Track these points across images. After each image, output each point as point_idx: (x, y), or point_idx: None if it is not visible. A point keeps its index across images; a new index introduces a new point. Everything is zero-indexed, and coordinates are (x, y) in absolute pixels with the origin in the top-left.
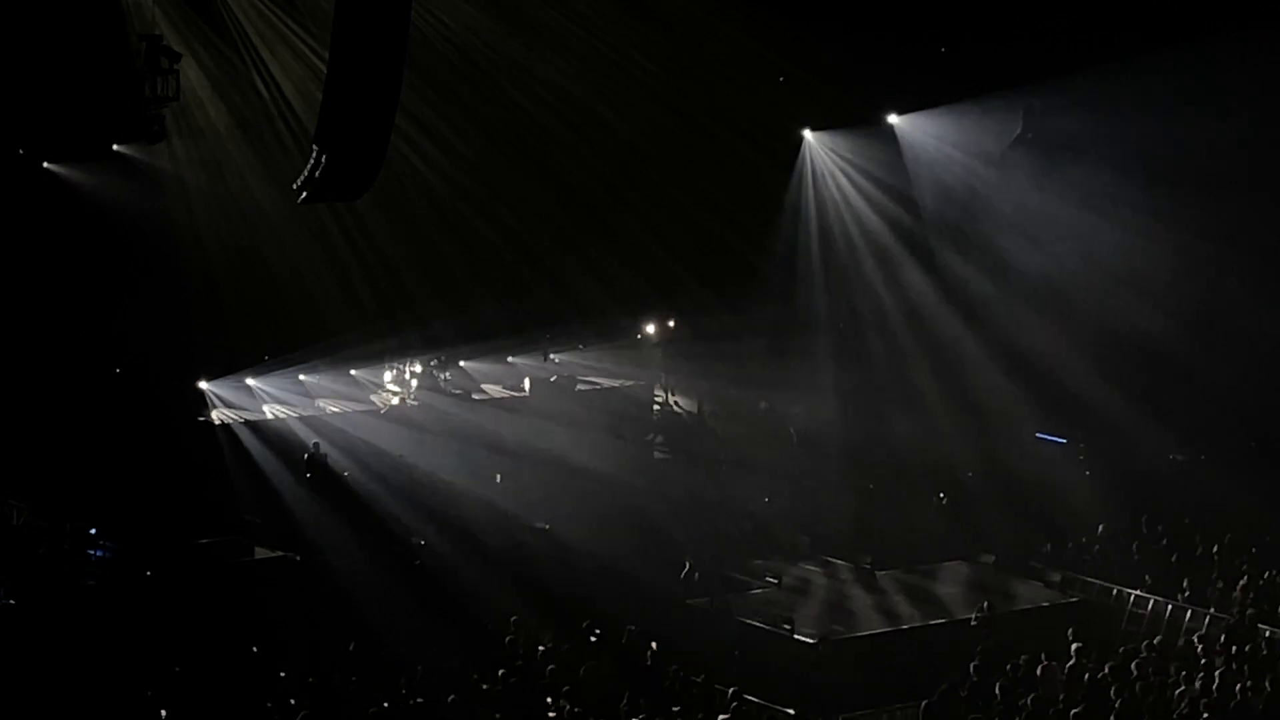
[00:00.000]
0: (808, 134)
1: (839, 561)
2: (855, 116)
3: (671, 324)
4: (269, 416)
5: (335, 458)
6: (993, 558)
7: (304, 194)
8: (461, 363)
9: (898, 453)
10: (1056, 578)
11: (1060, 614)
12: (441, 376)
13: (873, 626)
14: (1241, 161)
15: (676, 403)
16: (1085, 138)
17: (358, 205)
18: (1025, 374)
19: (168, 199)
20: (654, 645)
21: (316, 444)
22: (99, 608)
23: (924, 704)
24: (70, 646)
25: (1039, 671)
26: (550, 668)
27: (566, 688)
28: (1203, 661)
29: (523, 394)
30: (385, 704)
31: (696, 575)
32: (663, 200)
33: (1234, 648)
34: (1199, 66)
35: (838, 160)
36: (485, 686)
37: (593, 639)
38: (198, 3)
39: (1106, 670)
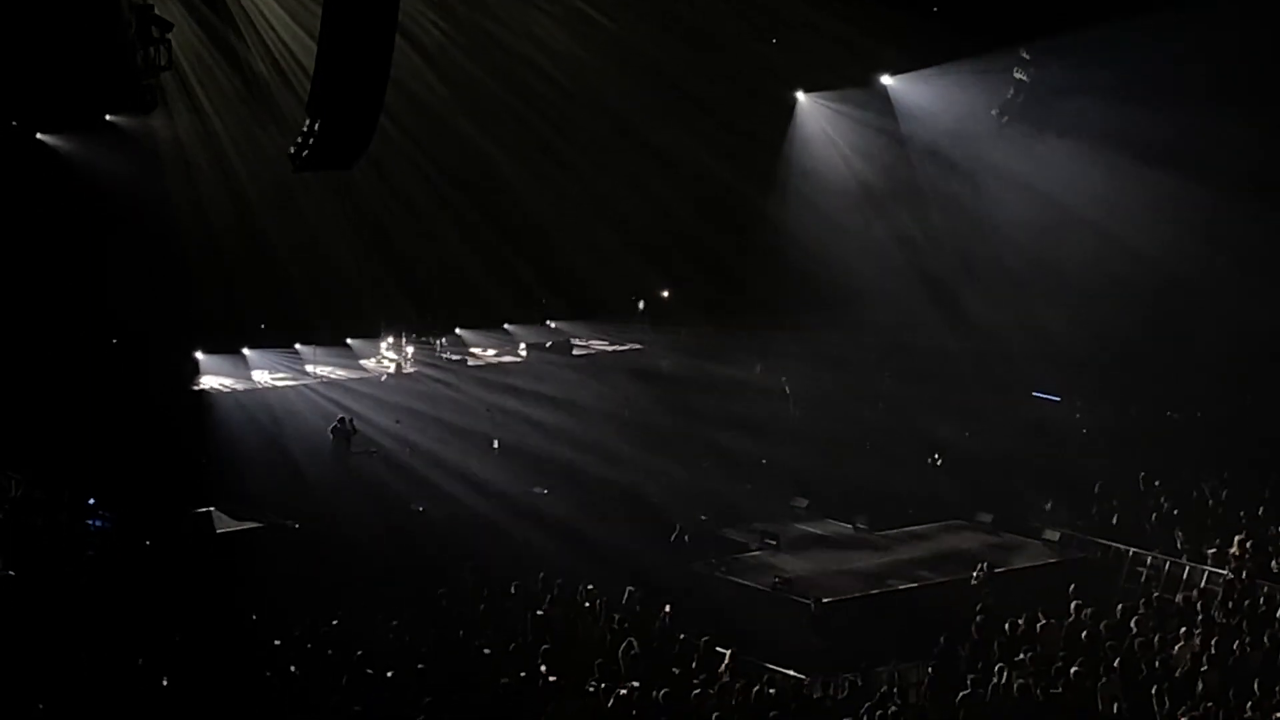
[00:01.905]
0: (800, 96)
1: (836, 522)
2: (848, 78)
3: (666, 294)
4: (265, 386)
5: (363, 429)
6: (991, 517)
7: (298, 162)
8: (458, 330)
9: (894, 412)
10: (1055, 536)
11: (1059, 572)
12: (438, 343)
13: (871, 587)
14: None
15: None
16: (1076, 96)
17: (351, 173)
18: (1020, 331)
19: (162, 169)
20: (668, 608)
21: (344, 417)
22: (97, 578)
23: (929, 664)
24: (69, 617)
25: (1038, 629)
26: (548, 632)
27: (565, 651)
28: (1201, 618)
29: (519, 359)
30: (383, 671)
31: (686, 538)
32: (655, 164)
33: (1232, 604)
34: (1191, 25)
35: (831, 121)
36: (487, 651)
37: (588, 603)
38: None
39: (1105, 628)
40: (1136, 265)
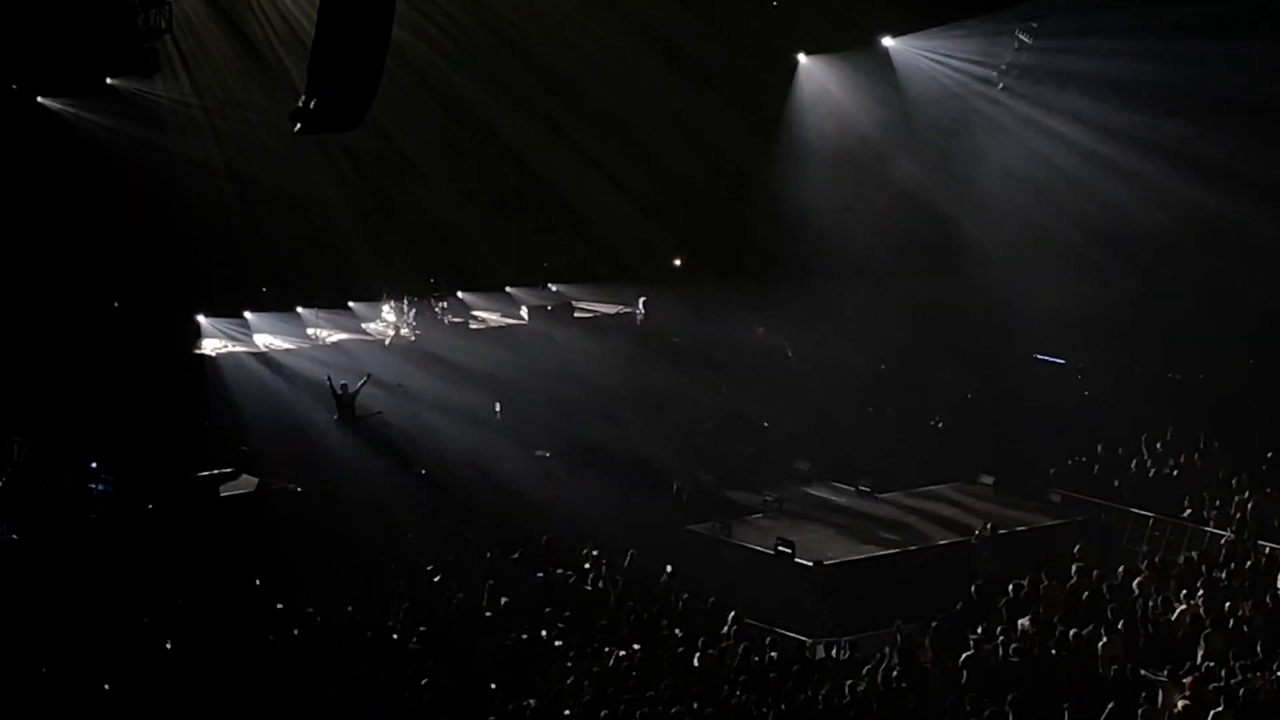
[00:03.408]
0: (802, 58)
1: (839, 484)
2: (850, 40)
3: (678, 262)
4: (267, 349)
5: (365, 395)
6: (992, 479)
7: (299, 125)
8: (459, 293)
9: (895, 375)
10: (1056, 498)
11: (1061, 534)
12: (439, 307)
13: (873, 549)
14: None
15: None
16: (1080, 58)
17: (354, 136)
18: (1023, 293)
19: (163, 133)
20: (669, 569)
21: (345, 384)
22: (101, 541)
23: (931, 626)
24: (73, 580)
25: (1040, 591)
26: (550, 594)
27: (567, 613)
28: (1203, 579)
29: (521, 322)
30: (387, 633)
31: (685, 496)
32: (657, 126)
33: (1234, 565)
34: None
35: (832, 83)
36: (488, 614)
37: (588, 565)
38: None
39: (1107, 589)
40: (1140, 225)
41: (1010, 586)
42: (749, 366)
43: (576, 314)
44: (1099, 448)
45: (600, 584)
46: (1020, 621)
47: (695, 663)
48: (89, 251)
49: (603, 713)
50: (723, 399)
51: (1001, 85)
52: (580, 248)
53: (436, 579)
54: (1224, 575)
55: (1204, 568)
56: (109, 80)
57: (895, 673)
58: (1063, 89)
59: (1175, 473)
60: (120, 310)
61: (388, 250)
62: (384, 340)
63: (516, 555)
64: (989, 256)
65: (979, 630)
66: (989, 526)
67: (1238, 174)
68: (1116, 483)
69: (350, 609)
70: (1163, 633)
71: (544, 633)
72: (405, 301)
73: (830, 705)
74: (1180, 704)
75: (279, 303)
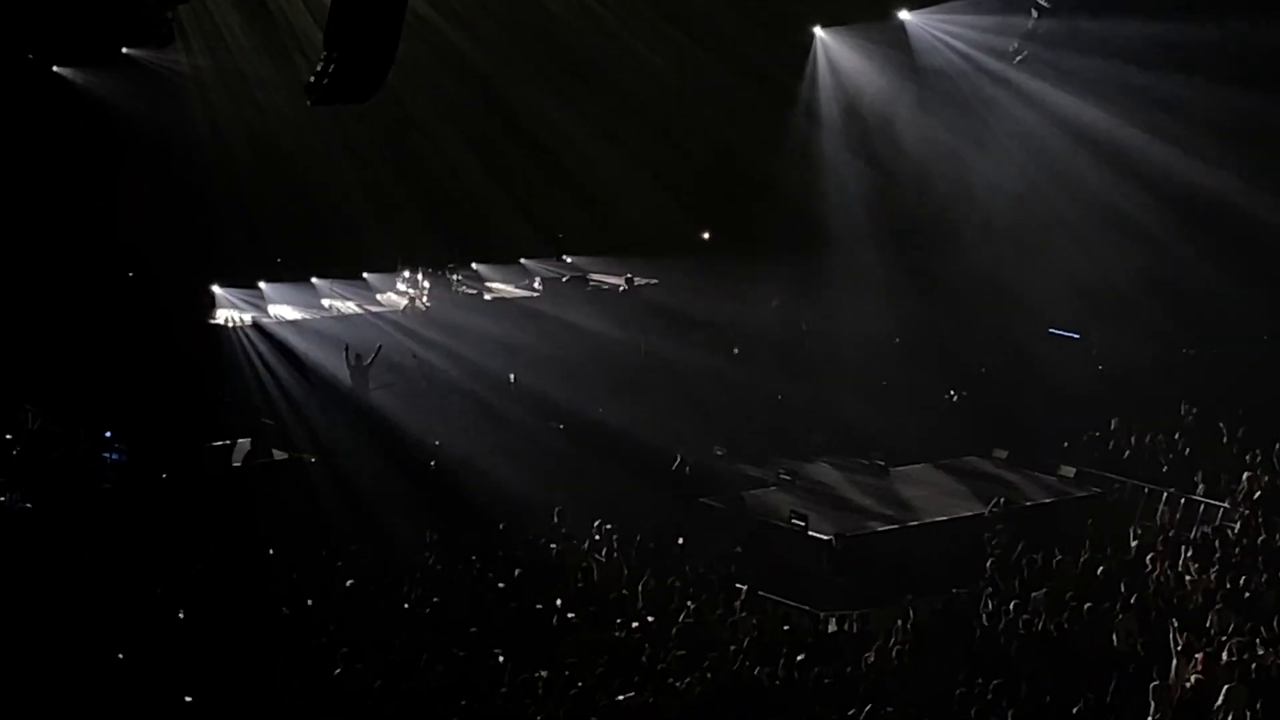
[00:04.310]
0: (818, 31)
1: (852, 458)
2: (866, 12)
3: (706, 235)
4: (282, 319)
5: (380, 364)
6: (1006, 453)
7: (314, 96)
8: (474, 264)
9: (909, 349)
10: (1070, 472)
11: (1074, 508)
12: (454, 278)
13: (886, 522)
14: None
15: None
16: (1096, 31)
17: (369, 107)
18: (1039, 267)
19: (178, 102)
20: (681, 541)
21: (359, 355)
22: (115, 511)
23: (944, 599)
24: (87, 550)
25: (1053, 566)
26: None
27: (579, 585)
28: (1216, 555)
29: (535, 294)
30: (400, 604)
31: (688, 469)
32: (674, 99)
33: (1246, 540)
34: None
35: (848, 57)
36: (501, 585)
37: (599, 536)
38: None
39: (1120, 564)
40: (1159, 199)
41: (1023, 561)
42: (762, 339)
43: (589, 286)
44: (1112, 422)
45: (613, 555)
46: (1033, 595)
47: (706, 635)
48: (104, 221)
49: (614, 684)
50: (735, 370)
51: (1018, 58)
52: (594, 220)
53: (447, 551)
54: (1237, 550)
55: (1217, 543)
56: (124, 50)
57: (907, 647)
58: (1082, 56)
59: (1188, 448)
60: (135, 280)
61: (402, 221)
62: (399, 310)
63: (529, 526)
64: (1003, 230)
65: (991, 605)
66: (1002, 501)
67: (1264, 138)
68: (1130, 457)
69: (362, 579)
70: (1175, 608)
71: (557, 603)
72: (419, 273)
73: (842, 678)
74: (1193, 678)
75: (293, 273)
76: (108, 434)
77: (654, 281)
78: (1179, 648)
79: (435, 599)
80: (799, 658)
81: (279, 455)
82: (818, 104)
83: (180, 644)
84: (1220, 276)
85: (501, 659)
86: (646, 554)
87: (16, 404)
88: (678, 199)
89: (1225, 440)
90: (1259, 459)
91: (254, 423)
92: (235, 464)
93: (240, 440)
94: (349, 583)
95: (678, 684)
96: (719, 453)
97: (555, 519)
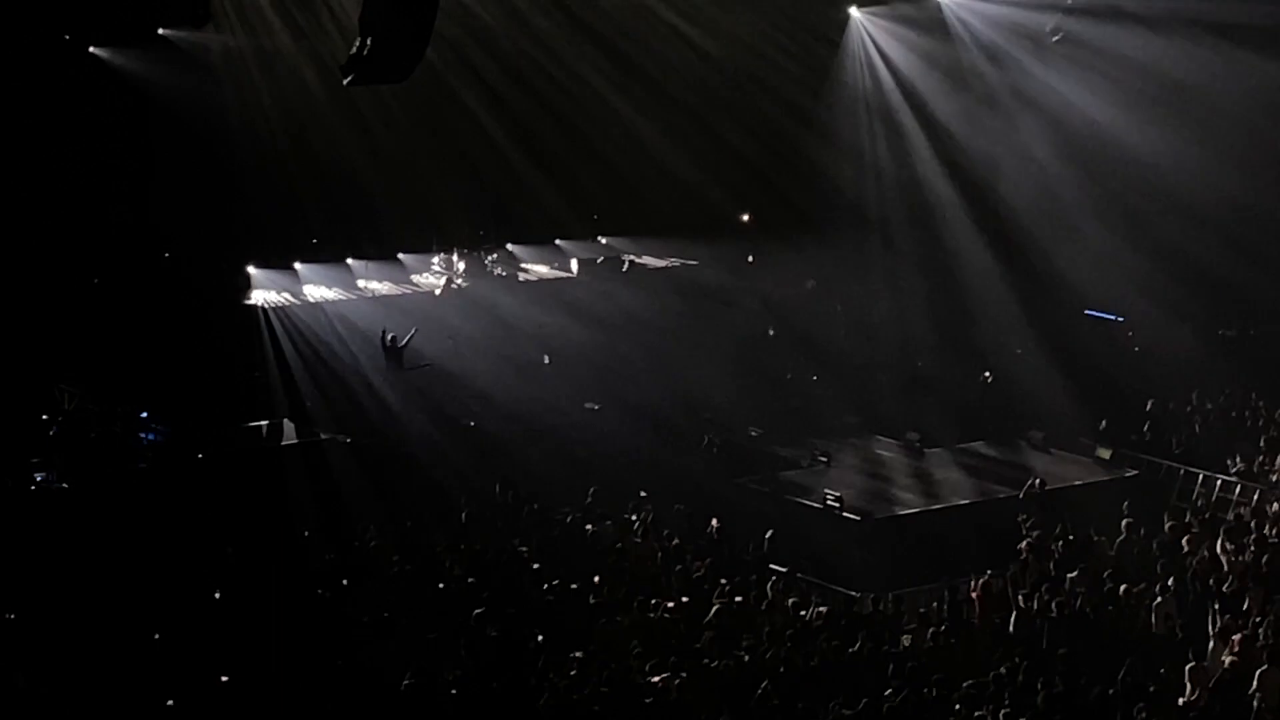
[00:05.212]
0: (854, 11)
1: (887, 439)
2: None
3: (748, 218)
4: (318, 300)
5: (415, 346)
6: (1042, 434)
7: (350, 76)
8: (509, 245)
9: (944, 329)
10: (1107, 454)
11: (1110, 489)
12: (488, 259)
13: (921, 504)
14: None
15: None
16: (1134, 10)
17: (406, 87)
18: (1071, 251)
19: (215, 83)
20: (715, 522)
21: (394, 336)
22: (150, 491)
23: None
24: (122, 530)
25: (1089, 547)
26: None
27: (614, 566)
28: (1253, 535)
29: (570, 275)
30: (436, 584)
31: (715, 449)
32: (706, 79)
33: None
34: None
35: (882, 38)
36: (536, 566)
37: (634, 517)
38: None
39: (1155, 545)
40: (1193, 183)
41: (1059, 542)
42: (798, 320)
43: (626, 268)
44: (1149, 404)
45: (647, 536)
46: (1069, 576)
47: (742, 616)
48: (140, 202)
49: (649, 665)
50: (770, 351)
51: (1055, 38)
52: (631, 201)
53: (483, 532)
54: (1273, 531)
55: (1253, 524)
56: (160, 30)
57: (943, 628)
58: (1120, 30)
59: (1225, 429)
60: (171, 260)
61: (437, 202)
62: (435, 292)
63: (564, 509)
64: (1039, 211)
65: (1027, 586)
66: (1038, 482)
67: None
68: (1166, 438)
69: (397, 559)
70: (1211, 589)
71: (594, 582)
72: (455, 254)
73: (877, 660)
74: (1228, 660)
75: (329, 254)
76: (144, 414)
77: (694, 262)
78: (1216, 629)
79: (471, 579)
80: (834, 640)
81: (322, 436)
82: (854, 85)
83: (216, 624)
84: (1256, 259)
85: (538, 638)
86: (682, 534)
87: (53, 384)
88: (717, 179)
89: (1262, 421)
90: None
91: (294, 401)
92: (289, 441)
93: (283, 421)
94: (382, 563)
95: (713, 665)
96: (754, 434)
97: (589, 499)
